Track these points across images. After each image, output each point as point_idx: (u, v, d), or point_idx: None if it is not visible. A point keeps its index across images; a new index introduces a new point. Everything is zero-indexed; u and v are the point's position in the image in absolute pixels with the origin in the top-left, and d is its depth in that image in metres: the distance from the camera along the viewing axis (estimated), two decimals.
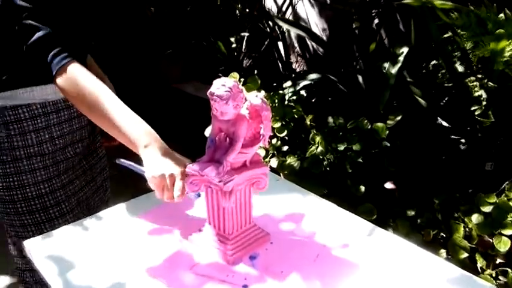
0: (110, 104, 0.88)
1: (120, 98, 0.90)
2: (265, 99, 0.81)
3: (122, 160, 0.96)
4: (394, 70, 1.89)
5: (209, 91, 0.77)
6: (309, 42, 2.82)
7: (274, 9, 3.02)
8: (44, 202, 1.05)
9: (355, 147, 1.83)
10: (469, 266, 1.44)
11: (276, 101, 2.17)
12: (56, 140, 1.05)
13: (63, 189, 1.07)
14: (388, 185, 1.81)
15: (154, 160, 0.84)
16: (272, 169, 1.96)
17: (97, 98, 0.88)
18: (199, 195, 0.93)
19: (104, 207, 1.13)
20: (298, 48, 2.96)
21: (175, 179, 0.83)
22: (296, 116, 2.11)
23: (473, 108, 1.76)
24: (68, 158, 1.09)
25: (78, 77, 0.89)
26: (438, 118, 1.91)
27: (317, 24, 2.68)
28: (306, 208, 1.02)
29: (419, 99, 1.90)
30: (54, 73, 0.89)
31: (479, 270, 1.43)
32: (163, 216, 0.98)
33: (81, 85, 0.89)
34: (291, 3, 2.87)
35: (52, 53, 0.89)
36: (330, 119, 1.99)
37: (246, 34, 3.20)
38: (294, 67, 3.02)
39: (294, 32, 2.83)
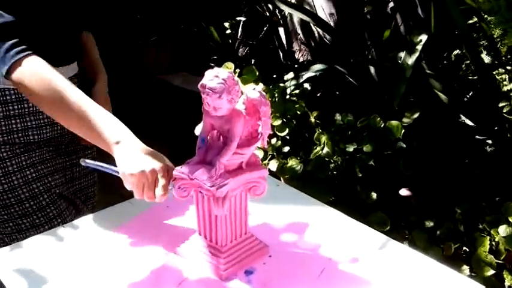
0: (75, 100, 0.89)
1: None
2: (263, 93, 0.82)
3: (88, 161, 0.97)
4: (411, 61, 1.91)
5: (200, 83, 0.78)
6: (314, 28, 2.83)
7: None
8: (19, 195, 1.08)
9: (366, 148, 1.84)
10: (495, 284, 1.45)
11: (276, 95, 2.18)
12: (29, 130, 1.07)
13: (39, 181, 1.10)
14: (404, 192, 1.82)
15: (130, 156, 0.85)
16: (271, 173, 1.96)
17: (59, 93, 0.89)
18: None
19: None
20: (301, 35, 2.97)
21: (156, 175, 0.84)
22: (299, 113, 2.12)
23: (501, 105, 1.77)
24: (43, 153, 1.11)
25: (36, 72, 0.91)
26: (461, 116, 1.92)
27: (323, 8, 2.69)
28: (310, 217, 1.03)
29: (440, 94, 1.92)
30: (8, 66, 0.91)
31: None
32: (147, 226, 0.99)
33: (39, 80, 0.91)
34: None
35: (8, 44, 0.91)
36: (338, 116, 2.00)
37: (243, 19, 3.21)
38: (296, 56, 3.03)
39: (297, 16, 2.83)
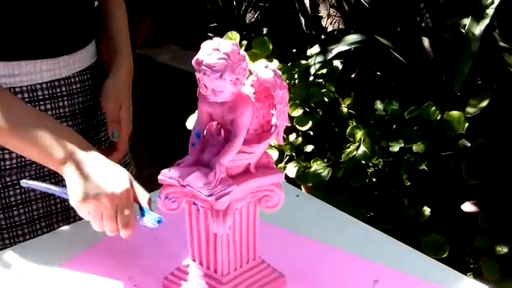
0: (13, 115, 0.92)
1: None
2: (279, 72, 0.82)
3: (27, 182, 1.00)
4: (478, 30, 1.90)
5: (195, 59, 0.78)
6: None
7: None
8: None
9: (417, 147, 1.84)
10: None
11: (296, 75, 2.19)
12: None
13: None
14: (467, 207, 1.82)
15: (80, 178, 0.87)
16: (289, 179, 1.97)
17: None
18: (160, 221, 0.91)
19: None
20: None
21: (118, 201, 0.86)
22: (326, 100, 2.13)
23: None
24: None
25: None
26: None
27: None
28: (340, 239, 1.04)
29: None
30: None
31: None
32: (117, 248, 1.00)
33: None
34: None
35: None
36: (379, 105, 2.00)
37: None
38: (324, 24, 3.03)
39: None
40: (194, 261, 0.90)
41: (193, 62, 0.78)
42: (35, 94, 1.10)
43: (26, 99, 1.08)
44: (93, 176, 0.88)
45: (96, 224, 0.88)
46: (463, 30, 1.93)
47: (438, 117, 1.88)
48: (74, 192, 0.88)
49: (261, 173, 0.85)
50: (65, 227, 1.09)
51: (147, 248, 1.01)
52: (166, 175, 0.83)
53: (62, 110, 1.14)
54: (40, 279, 0.95)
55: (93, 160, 0.90)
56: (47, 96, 1.11)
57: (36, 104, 1.10)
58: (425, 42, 2.21)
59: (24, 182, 1.01)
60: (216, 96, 0.79)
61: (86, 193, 0.86)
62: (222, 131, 0.85)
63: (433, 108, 1.90)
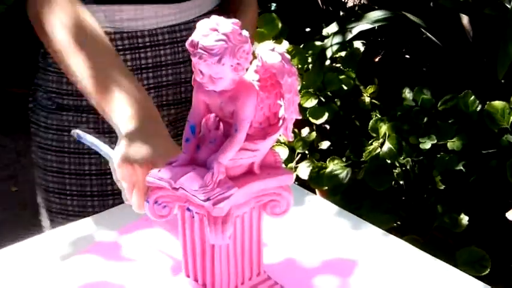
0: (98, 51, 1.09)
1: None
2: (288, 56, 0.83)
3: (81, 133, 1.07)
4: None
5: (189, 41, 0.79)
6: None
7: None
8: None
9: (453, 144, 1.85)
10: None
11: (310, 59, 2.19)
12: None
13: None
14: None
15: (131, 140, 0.96)
16: (301, 181, 1.98)
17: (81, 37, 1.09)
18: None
19: None
20: None
21: None
22: (345, 88, 2.13)
23: None
24: None
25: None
26: None
27: None
28: (361, 251, 1.05)
29: None
30: None
31: None
32: (107, 258, 1.01)
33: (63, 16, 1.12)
34: None
35: None
36: (407, 93, 2.00)
37: None
38: None
39: None
40: (188, 276, 0.91)
41: (187, 44, 0.79)
42: (155, 39, 1.28)
43: (147, 44, 1.27)
44: (144, 143, 0.95)
45: (126, 193, 0.95)
46: (509, 6, 1.93)
47: (478, 109, 1.88)
48: (117, 151, 0.97)
49: (267, 174, 0.86)
50: (64, 228, 1.12)
51: (137, 259, 1.02)
52: (155, 176, 0.84)
53: (181, 55, 1.31)
54: (40, 279, 0.97)
55: (153, 131, 1.00)
56: (167, 41, 1.29)
57: (157, 48, 1.28)
58: (464, 19, 2.21)
59: (75, 132, 1.08)
60: (214, 84, 0.80)
61: (127, 156, 0.94)
62: (221, 124, 0.85)
63: (472, 97, 1.90)
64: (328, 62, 2.17)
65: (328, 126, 2.16)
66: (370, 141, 1.94)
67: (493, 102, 1.86)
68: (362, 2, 2.96)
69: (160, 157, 0.94)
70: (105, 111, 1.07)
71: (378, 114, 1.99)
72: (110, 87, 1.06)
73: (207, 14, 1.30)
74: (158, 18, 1.27)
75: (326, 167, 1.95)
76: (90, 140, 1.07)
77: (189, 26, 1.31)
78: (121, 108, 1.03)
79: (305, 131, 2.11)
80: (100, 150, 1.05)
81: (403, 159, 1.87)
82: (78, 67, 1.10)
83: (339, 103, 2.12)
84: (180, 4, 1.29)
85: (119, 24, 1.25)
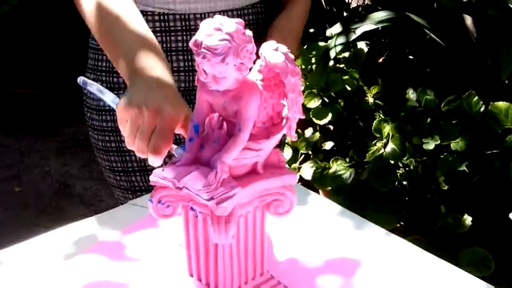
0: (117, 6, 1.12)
1: None
2: (291, 56, 0.83)
3: (86, 80, 1.11)
4: None
5: (193, 40, 0.79)
6: None
7: None
8: None
9: (456, 145, 1.84)
10: None
11: (314, 59, 2.19)
12: None
13: None
14: None
15: (136, 86, 0.99)
16: (304, 182, 1.98)
17: None
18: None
19: None
20: None
21: (157, 121, 0.94)
22: (349, 88, 2.13)
23: None
24: None
25: None
26: None
27: None
28: (365, 251, 1.05)
29: None
30: None
31: None
32: (115, 251, 1.02)
33: None
34: None
35: None
36: (411, 94, 2.00)
37: None
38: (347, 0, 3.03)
39: None
40: (191, 276, 0.91)
41: (191, 43, 0.79)
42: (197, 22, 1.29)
43: (182, 28, 1.31)
44: (150, 89, 0.97)
45: (128, 139, 0.96)
46: None
47: (482, 109, 1.88)
48: (123, 97, 0.98)
49: (270, 173, 0.86)
50: (68, 227, 1.12)
51: (140, 261, 1.03)
52: (159, 175, 0.84)
53: None
54: (44, 279, 0.98)
55: (159, 79, 1.02)
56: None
57: (193, 33, 1.29)
58: (467, 20, 2.20)
59: (81, 79, 1.12)
60: (217, 83, 0.80)
61: (131, 99, 0.96)
62: (225, 124, 0.85)
63: (476, 98, 1.89)
64: (331, 63, 2.18)
65: (331, 127, 2.16)
66: (373, 142, 1.94)
67: (496, 103, 1.86)
68: (366, 2, 2.96)
69: (163, 101, 0.96)
70: (116, 64, 1.11)
71: (381, 115, 1.99)
72: (118, 40, 1.10)
73: (256, 4, 1.37)
74: (211, 3, 1.31)
75: (329, 168, 1.95)
76: (96, 87, 1.10)
77: (242, 13, 1.35)
78: (128, 59, 1.06)
79: (308, 132, 2.11)
80: (105, 97, 1.08)
81: (407, 159, 1.86)
82: (93, 20, 1.15)
83: (342, 104, 2.12)
84: None
85: (172, 6, 1.30)
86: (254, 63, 0.82)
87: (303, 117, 0.86)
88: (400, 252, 1.06)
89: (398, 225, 1.83)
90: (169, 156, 0.99)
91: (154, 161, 0.94)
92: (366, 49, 2.25)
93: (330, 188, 1.96)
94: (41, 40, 3.73)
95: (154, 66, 1.04)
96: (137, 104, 0.95)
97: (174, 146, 0.98)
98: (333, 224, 1.12)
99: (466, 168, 1.81)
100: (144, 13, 1.29)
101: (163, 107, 0.94)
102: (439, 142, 1.85)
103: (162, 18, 1.31)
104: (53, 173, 3.33)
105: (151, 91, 0.98)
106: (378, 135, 1.94)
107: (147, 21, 1.28)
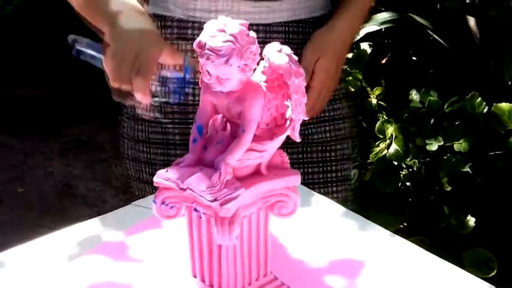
0: None
1: None
2: (295, 57, 0.83)
3: (78, 38, 1.13)
4: None
5: (197, 42, 0.79)
6: None
7: None
8: None
9: (459, 146, 1.84)
10: None
11: None
12: None
13: None
14: None
15: (121, 31, 1.07)
16: None
17: None
18: (180, 97, 1.10)
19: None
20: None
21: (143, 62, 1.02)
22: (352, 89, 2.13)
23: None
24: None
25: None
26: None
27: None
28: (368, 252, 1.05)
29: None
30: None
31: None
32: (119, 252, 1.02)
33: None
34: None
35: None
36: (414, 95, 2.00)
37: None
38: None
39: None
40: (195, 277, 0.91)
41: (194, 45, 0.79)
42: None
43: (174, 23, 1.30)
44: (132, 34, 1.07)
45: (114, 82, 1.04)
46: None
47: (485, 111, 1.88)
48: (109, 49, 1.06)
49: (274, 174, 0.86)
50: (72, 228, 1.12)
51: (143, 262, 1.03)
52: (162, 176, 0.84)
53: None
54: (47, 280, 0.98)
55: (138, 22, 1.10)
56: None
57: None
58: (471, 21, 2.20)
59: (71, 37, 1.13)
60: (221, 84, 0.80)
61: (116, 49, 1.05)
62: (228, 125, 0.85)
63: (479, 99, 1.89)
64: None
65: None
66: (376, 143, 1.94)
67: (499, 104, 1.86)
68: None
69: (143, 44, 1.05)
70: (95, 21, 1.14)
71: (384, 116, 1.99)
72: (102, 9, 1.14)
73: (297, 22, 1.30)
74: (233, 14, 1.25)
75: None
76: (86, 42, 1.11)
77: (268, 29, 1.29)
78: (108, 17, 1.11)
79: None
80: (95, 53, 1.10)
81: (410, 160, 1.86)
82: None
83: None
84: (258, 2, 1.26)
85: (192, 13, 1.28)
86: (258, 64, 0.82)
87: (307, 118, 0.86)
88: (403, 253, 1.05)
89: (401, 226, 1.83)
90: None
91: (141, 98, 1.03)
92: (369, 50, 2.24)
93: None
94: (44, 40, 3.73)
95: (131, 16, 1.10)
96: (121, 49, 1.04)
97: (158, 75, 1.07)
98: (336, 225, 1.12)
99: (469, 169, 1.81)
100: (162, 17, 1.31)
101: (141, 50, 1.03)
102: (442, 143, 1.84)
103: (180, 25, 1.30)
104: (56, 173, 3.33)
105: (131, 31, 1.07)
106: (381, 136, 1.94)
107: (165, 26, 1.30)
